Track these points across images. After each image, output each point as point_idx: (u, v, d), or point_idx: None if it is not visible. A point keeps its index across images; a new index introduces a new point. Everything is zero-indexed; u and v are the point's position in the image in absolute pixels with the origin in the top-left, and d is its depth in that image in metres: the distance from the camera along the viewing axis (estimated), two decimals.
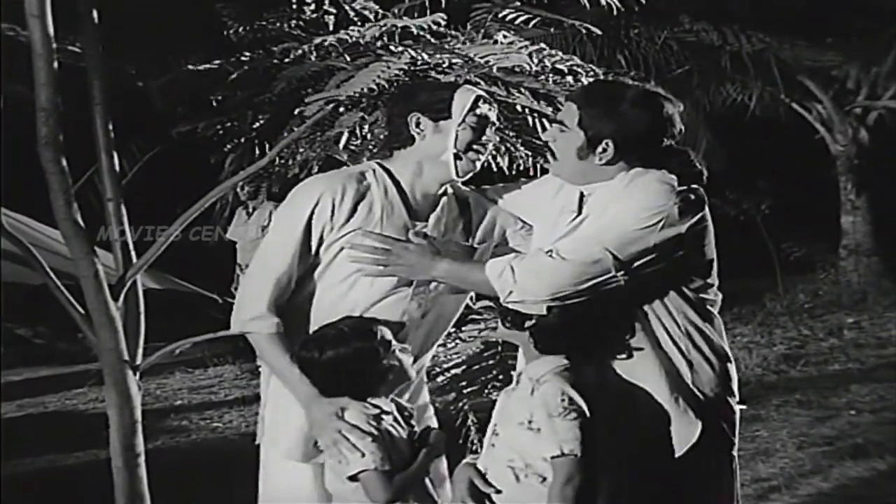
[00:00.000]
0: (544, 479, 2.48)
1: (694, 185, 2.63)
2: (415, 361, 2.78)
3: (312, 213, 2.68)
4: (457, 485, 2.57)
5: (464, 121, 2.72)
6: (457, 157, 2.73)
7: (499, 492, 2.51)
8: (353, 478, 2.55)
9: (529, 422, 2.47)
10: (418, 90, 2.83)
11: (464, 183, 2.86)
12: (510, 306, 2.57)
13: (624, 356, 2.60)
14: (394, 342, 2.64)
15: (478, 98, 2.74)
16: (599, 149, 2.62)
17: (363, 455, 2.53)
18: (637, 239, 2.51)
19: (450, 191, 2.83)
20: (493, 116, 2.77)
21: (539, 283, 2.51)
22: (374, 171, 2.78)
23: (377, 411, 2.61)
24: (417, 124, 2.73)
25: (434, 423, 2.95)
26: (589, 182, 2.68)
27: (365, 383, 2.62)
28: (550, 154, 2.73)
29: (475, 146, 2.73)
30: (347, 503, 2.60)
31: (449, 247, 2.77)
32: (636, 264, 2.52)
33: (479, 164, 2.77)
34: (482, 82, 3.05)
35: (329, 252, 2.71)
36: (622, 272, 2.50)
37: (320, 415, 2.61)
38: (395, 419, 2.65)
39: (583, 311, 2.53)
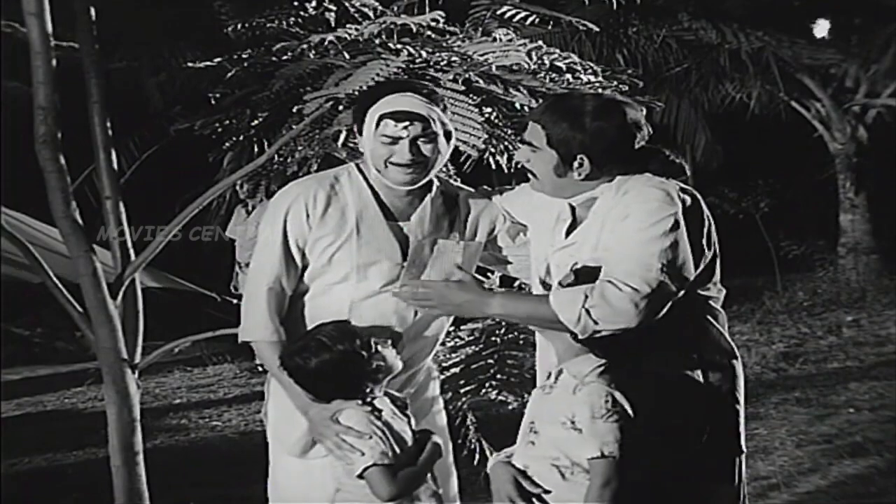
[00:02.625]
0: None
1: (685, 186, 2.62)
2: (415, 358, 2.78)
3: (286, 219, 2.70)
4: (500, 485, 2.54)
5: (374, 138, 2.67)
6: (381, 167, 2.67)
7: (548, 491, 2.49)
8: (360, 476, 2.58)
9: (572, 421, 2.44)
10: (360, 99, 2.77)
11: (468, 185, 2.84)
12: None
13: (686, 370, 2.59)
14: (373, 340, 2.65)
15: (386, 116, 2.63)
16: (575, 164, 2.61)
17: (363, 454, 2.57)
18: (678, 252, 2.49)
19: (435, 187, 2.81)
20: (413, 132, 2.63)
21: (626, 316, 2.44)
22: (349, 172, 2.78)
23: (370, 408, 2.63)
24: (357, 133, 2.74)
25: (443, 417, 2.96)
26: (574, 195, 2.67)
27: (353, 385, 2.64)
28: (530, 173, 2.70)
29: (392, 161, 2.66)
30: (355, 501, 2.61)
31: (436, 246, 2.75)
32: (689, 277, 2.51)
33: (413, 177, 2.67)
34: (480, 80, 3.05)
35: (314, 254, 2.72)
36: (681, 288, 2.50)
37: (318, 419, 2.64)
38: (392, 411, 2.67)
39: None
